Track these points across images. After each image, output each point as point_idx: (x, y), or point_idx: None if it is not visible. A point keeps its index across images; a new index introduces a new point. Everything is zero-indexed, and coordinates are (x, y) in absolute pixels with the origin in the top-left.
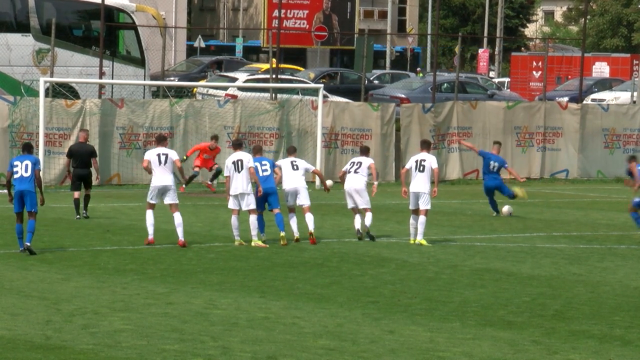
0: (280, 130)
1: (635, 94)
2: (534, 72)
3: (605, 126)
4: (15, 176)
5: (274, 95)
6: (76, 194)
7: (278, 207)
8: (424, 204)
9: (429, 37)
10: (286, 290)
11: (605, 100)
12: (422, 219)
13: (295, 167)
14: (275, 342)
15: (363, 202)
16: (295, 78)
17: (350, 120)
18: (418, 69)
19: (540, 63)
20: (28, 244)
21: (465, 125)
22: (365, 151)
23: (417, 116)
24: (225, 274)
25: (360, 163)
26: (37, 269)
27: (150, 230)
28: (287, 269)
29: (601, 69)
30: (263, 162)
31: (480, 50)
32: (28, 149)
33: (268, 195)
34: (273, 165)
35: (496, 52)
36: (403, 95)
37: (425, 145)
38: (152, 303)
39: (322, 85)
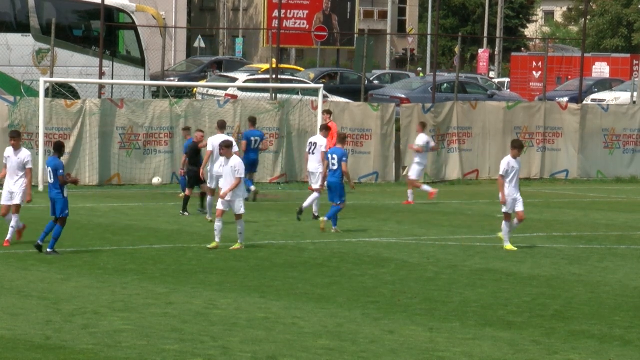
0: (280, 131)
1: (635, 94)
2: (534, 73)
3: (605, 126)
4: (49, 180)
5: (274, 95)
6: (187, 192)
7: (336, 202)
8: (522, 207)
9: (429, 37)
10: (286, 291)
11: (605, 100)
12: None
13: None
14: (275, 342)
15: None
16: (295, 78)
17: (351, 121)
18: (419, 69)
19: (540, 63)
20: (50, 250)
21: (465, 126)
22: (518, 147)
23: (417, 116)
24: (225, 274)
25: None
26: (37, 269)
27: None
28: (287, 269)
29: (601, 69)
30: (333, 155)
31: (480, 51)
32: (56, 149)
33: (330, 189)
34: (340, 159)
35: (496, 53)
36: (403, 96)
37: (519, 146)
38: (152, 303)
39: (322, 86)
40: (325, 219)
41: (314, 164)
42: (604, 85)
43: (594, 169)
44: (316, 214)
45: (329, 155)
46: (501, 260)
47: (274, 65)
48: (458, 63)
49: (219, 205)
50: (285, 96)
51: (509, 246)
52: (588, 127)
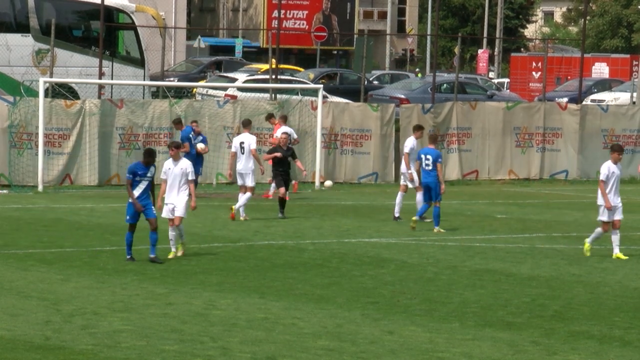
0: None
1: (634, 94)
2: (534, 73)
3: (604, 127)
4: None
5: (273, 95)
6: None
7: (435, 201)
8: (620, 214)
9: (428, 37)
10: (286, 291)
11: (604, 100)
12: (618, 231)
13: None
14: (275, 342)
15: None
16: (294, 78)
17: (350, 121)
18: (416, 69)
19: (539, 64)
20: (151, 256)
21: (464, 126)
22: (618, 150)
23: (417, 117)
24: (225, 275)
25: None
26: (36, 269)
27: None
28: (286, 269)
29: (601, 69)
30: (427, 156)
31: (480, 51)
32: (145, 155)
33: (428, 189)
34: (435, 159)
35: (496, 53)
36: (402, 96)
37: (620, 150)
38: (152, 303)
39: (321, 86)
40: (417, 217)
41: (404, 165)
42: (603, 85)
43: (593, 170)
44: (397, 215)
45: (422, 156)
46: (501, 260)
47: (273, 66)
48: (457, 63)
49: (167, 214)
50: (284, 96)
51: (619, 254)
52: (587, 128)
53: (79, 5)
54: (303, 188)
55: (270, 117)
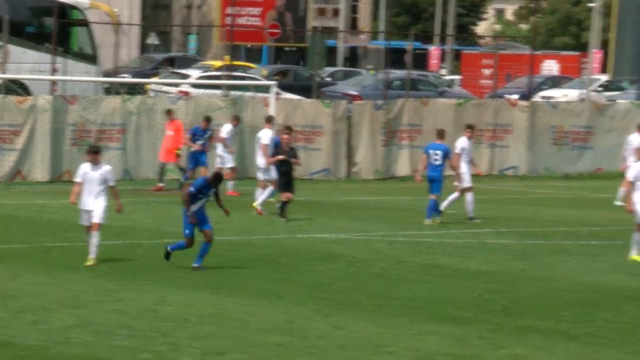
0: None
1: (583, 91)
2: (485, 70)
3: (553, 123)
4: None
5: (226, 92)
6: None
7: (436, 194)
8: None
9: (381, 34)
10: (237, 287)
11: (554, 97)
12: None
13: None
14: (225, 338)
15: None
16: (248, 75)
17: (302, 117)
18: (369, 66)
19: (490, 60)
20: (195, 265)
21: (415, 123)
22: None
23: (369, 113)
24: (176, 271)
25: None
26: None
27: None
28: (238, 265)
29: (550, 66)
30: (436, 152)
31: (432, 48)
32: (215, 179)
33: (432, 182)
34: (445, 155)
35: (447, 51)
36: (355, 93)
37: None
38: (103, 299)
39: (274, 82)
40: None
41: (463, 166)
42: (553, 82)
43: (542, 166)
44: (471, 215)
45: (431, 151)
46: (449, 256)
47: (227, 62)
48: (410, 60)
49: (84, 222)
50: (237, 93)
51: (635, 257)
52: (537, 124)
53: (32, 1)
54: (252, 184)
55: (168, 112)
